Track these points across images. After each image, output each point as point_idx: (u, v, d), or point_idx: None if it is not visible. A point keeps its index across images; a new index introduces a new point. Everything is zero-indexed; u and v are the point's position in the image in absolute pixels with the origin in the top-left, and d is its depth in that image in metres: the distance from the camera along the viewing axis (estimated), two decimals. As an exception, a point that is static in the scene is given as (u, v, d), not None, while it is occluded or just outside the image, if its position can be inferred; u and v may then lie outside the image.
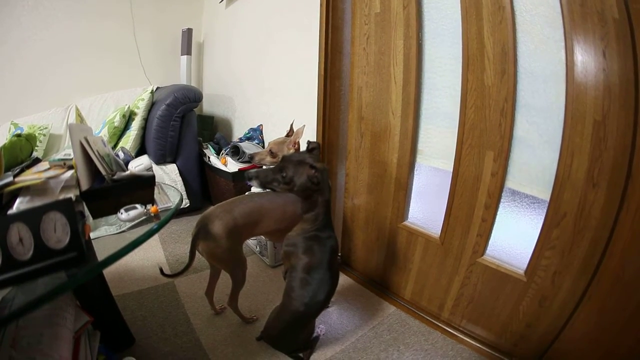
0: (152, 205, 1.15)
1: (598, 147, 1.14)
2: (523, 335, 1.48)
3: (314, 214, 1.41)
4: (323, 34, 1.97)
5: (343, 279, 2.16)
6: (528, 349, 1.47)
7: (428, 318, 1.80)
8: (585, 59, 1.12)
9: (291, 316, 1.42)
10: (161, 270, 1.56)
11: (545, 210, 1.33)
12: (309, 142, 1.50)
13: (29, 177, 1.00)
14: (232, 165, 2.67)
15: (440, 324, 1.75)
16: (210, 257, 1.57)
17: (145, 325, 1.68)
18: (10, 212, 0.88)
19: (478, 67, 1.41)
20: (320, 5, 1.96)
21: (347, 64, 2.01)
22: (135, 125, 2.74)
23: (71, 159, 1.08)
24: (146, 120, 2.81)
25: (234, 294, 1.64)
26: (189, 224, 2.77)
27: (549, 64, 1.25)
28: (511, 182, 1.44)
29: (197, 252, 1.56)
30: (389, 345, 1.63)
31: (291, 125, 1.88)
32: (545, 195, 1.32)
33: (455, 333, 1.68)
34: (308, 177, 1.31)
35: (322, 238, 1.43)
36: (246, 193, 2.20)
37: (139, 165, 1.30)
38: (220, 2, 3.32)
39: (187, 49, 3.51)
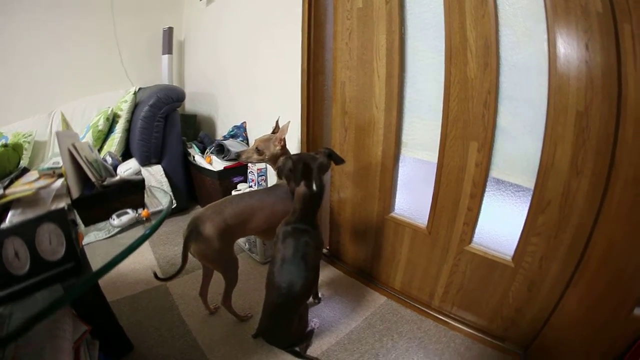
0: (143, 209, 1.14)
1: (581, 136, 1.17)
2: (514, 319, 1.52)
3: (292, 207, 1.48)
4: (305, 29, 1.97)
5: (333, 272, 2.19)
6: (519, 333, 1.52)
7: (419, 307, 1.83)
8: (568, 51, 1.15)
9: (269, 307, 1.45)
10: (155, 274, 1.55)
11: (530, 198, 1.36)
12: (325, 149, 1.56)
13: (20, 188, 0.99)
14: (217, 164, 2.65)
15: (431, 312, 1.78)
16: (203, 258, 1.57)
17: (142, 330, 1.67)
18: (3, 225, 0.87)
19: (461, 60, 1.43)
20: (303, 1, 1.95)
21: (330, 59, 2.01)
22: (119, 127, 2.69)
23: (60, 167, 1.08)
24: (130, 122, 2.76)
25: (227, 293, 1.65)
26: (177, 225, 2.76)
27: (532, 56, 1.28)
28: (495, 172, 1.47)
29: (189, 253, 1.56)
30: (382, 335, 1.66)
31: (277, 121, 1.88)
32: (530, 183, 1.36)
33: (447, 320, 1.72)
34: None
35: (299, 231, 1.46)
36: (232, 192, 2.20)
37: (128, 169, 1.28)
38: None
39: (168, 48, 3.46)
